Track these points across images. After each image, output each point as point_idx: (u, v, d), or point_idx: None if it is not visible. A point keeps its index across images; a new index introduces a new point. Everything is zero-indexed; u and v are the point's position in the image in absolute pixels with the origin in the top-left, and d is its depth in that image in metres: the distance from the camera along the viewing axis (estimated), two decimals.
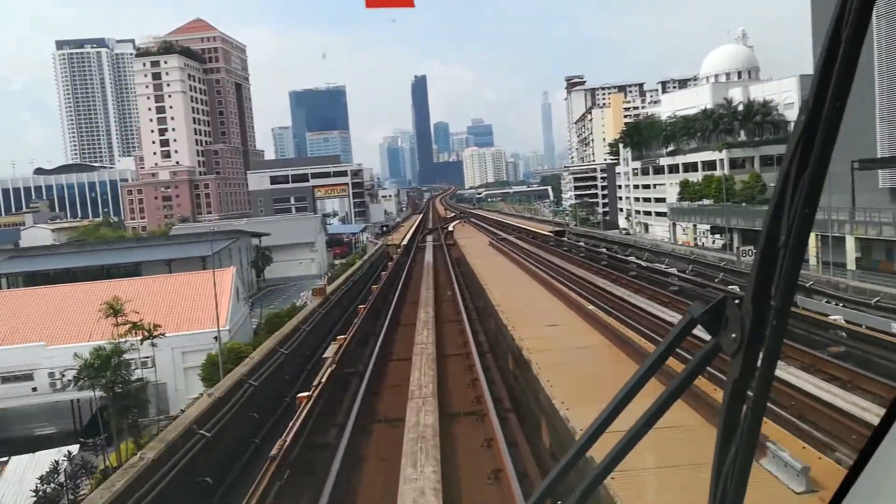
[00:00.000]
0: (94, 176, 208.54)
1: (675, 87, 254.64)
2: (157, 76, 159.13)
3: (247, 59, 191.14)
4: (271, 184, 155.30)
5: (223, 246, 67.65)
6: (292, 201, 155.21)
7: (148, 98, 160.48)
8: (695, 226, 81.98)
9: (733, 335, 1.10)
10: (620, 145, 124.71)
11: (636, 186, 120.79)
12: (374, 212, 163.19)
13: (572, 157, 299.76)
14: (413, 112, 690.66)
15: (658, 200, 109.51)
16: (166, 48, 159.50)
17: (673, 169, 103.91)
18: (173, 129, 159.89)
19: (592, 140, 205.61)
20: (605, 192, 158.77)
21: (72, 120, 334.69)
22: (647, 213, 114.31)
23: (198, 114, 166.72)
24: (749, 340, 1.08)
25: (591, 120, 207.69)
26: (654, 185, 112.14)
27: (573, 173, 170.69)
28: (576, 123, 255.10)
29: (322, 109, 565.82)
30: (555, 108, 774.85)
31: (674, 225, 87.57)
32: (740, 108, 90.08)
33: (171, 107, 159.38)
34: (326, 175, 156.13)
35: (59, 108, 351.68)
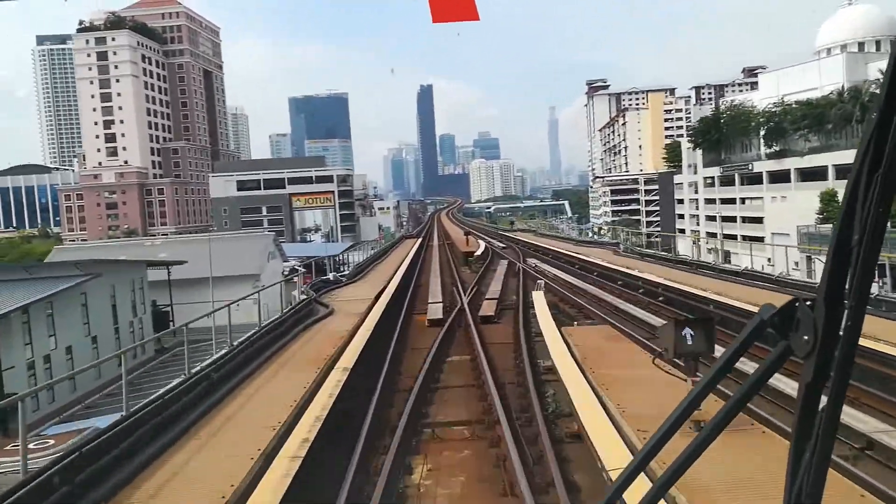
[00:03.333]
0: (45, 179, 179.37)
1: (710, 94, 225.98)
2: (102, 56, 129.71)
3: (220, 44, 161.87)
4: (239, 189, 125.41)
5: (52, 291, 36.97)
6: (264, 212, 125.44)
7: (91, 83, 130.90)
8: None
9: (805, 337, 1.07)
10: (688, 147, 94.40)
11: (711, 201, 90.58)
12: (367, 227, 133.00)
13: (593, 168, 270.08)
14: (418, 122, 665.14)
15: (751, 220, 79.30)
16: (115, 23, 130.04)
17: (779, 177, 73.55)
18: (121, 122, 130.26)
19: (626, 147, 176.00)
20: (654, 207, 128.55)
21: (50, 119, 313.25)
22: (730, 237, 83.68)
23: (154, 104, 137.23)
24: (822, 342, 1.05)
25: (623, 124, 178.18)
26: (745, 200, 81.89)
27: (610, 184, 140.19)
28: (600, 130, 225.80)
29: (323, 117, 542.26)
30: (562, 123, 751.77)
31: (808, 259, 56.90)
32: None
33: (118, 94, 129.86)
34: (307, 181, 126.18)
35: (38, 107, 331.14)
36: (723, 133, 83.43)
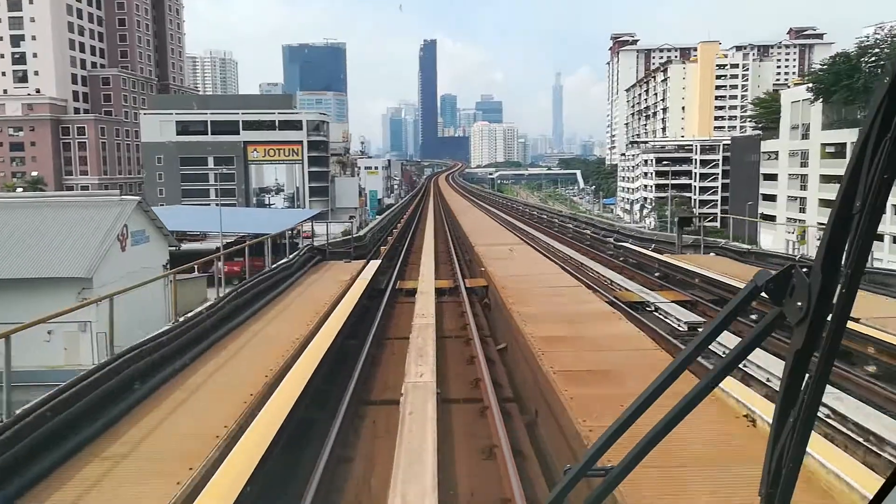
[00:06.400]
0: None
1: (755, 55, 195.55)
2: None
3: None
4: (179, 133, 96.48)
5: None
6: (211, 163, 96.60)
7: None
8: None
9: (798, 304, 1.05)
10: (801, 100, 66.10)
11: (831, 179, 62.78)
12: (344, 189, 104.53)
13: (612, 136, 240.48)
14: (420, 79, 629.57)
15: None
16: None
17: None
18: (34, 38, 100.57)
19: (666, 108, 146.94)
20: (712, 182, 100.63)
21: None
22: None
23: (80, 18, 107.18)
24: (816, 309, 1.02)
25: (664, 80, 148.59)
26: None
27: (654, 151, 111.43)
28: (627, 90, 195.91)
29: (318, 68, 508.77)
30: (566, 91, 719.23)
31: None
32: None
33: (31, 1, 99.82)
34: (269, 126, 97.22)
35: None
36: (871, 78, 55.17)
